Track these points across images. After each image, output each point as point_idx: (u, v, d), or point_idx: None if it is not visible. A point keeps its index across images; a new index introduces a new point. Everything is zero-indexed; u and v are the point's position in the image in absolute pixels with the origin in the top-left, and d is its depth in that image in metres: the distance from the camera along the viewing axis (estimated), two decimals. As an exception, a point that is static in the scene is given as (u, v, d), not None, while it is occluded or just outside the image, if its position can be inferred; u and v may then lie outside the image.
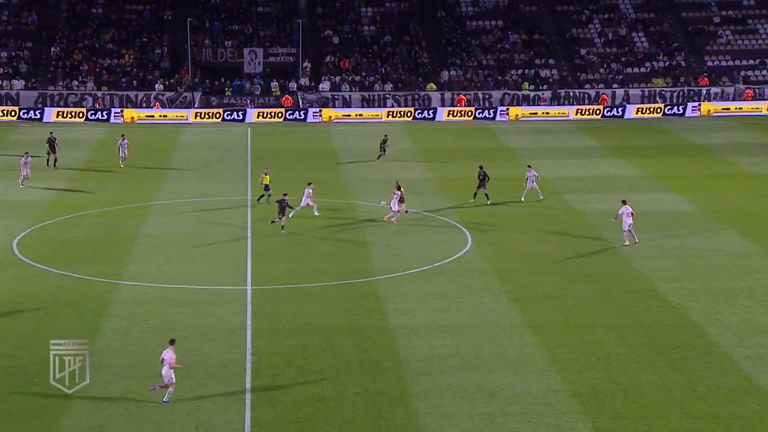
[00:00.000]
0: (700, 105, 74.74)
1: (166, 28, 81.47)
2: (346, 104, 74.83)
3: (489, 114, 73.75)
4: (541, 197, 46.70)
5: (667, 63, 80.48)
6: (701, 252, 38.76)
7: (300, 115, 72.78)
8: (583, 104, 75.32)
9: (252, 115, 72.40)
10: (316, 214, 43.58)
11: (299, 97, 75.06)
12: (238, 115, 72.39)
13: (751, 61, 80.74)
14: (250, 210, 45.46)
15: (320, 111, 72.84)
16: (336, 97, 75.20)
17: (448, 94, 75.57)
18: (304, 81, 76.96)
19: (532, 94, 75.91)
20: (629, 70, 79.88)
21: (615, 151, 60.53)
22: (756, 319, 31.43)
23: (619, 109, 74.47)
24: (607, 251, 38.97)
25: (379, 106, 74.44)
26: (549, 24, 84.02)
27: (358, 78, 77.46)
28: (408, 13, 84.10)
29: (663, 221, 42.90)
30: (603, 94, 75.94)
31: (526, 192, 46.57)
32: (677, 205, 46.40)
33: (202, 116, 72.23)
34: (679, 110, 74.48)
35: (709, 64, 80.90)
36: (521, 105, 75.04)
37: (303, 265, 37.02)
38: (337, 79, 77.04)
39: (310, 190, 43.75)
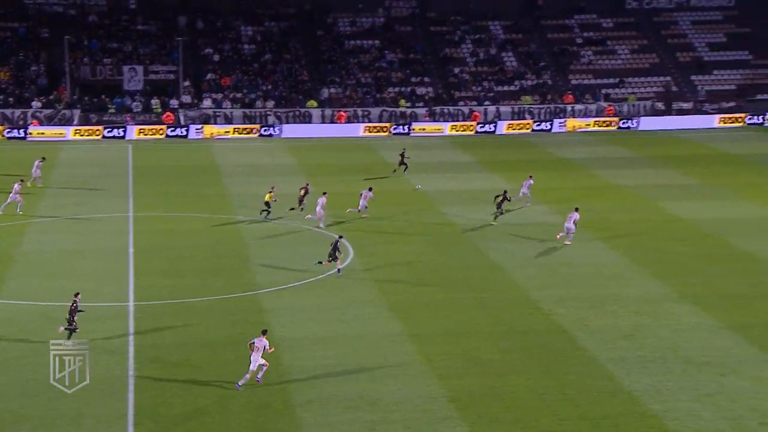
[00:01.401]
0: (565, 121, 77.62)
1: (43, 46, 79.64)
2: (228, 121, 74.77)
3: (368, 130, 74.89)
4: (528, 204, 49.61)
5: (534, 81, 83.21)
6: (570, 261, 40.26)
7: (182, 132, 72.34)
8: (458, 121, 77.13)
9: (133, 131, 71.51)
10: (357, 212, 45.70)
11: (180, 113, 74.61)
12: (119, 132, 71.38)
13: (611, 80, 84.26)
14: (132, 226, 45.17)
15: (202, 128, 72.64)
16: (218, 113, 75.07)
17: (328, 111, 76.39)
18: (186, 98, 76.53)
19: (408, 110, 77.51)
20: (500, 88, 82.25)
21: (488, 165, 62.01)
22: (620, 323, 32.98)
23: (491, 126, 76.46)
24: (483, 262, 40.14)
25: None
26: (424, 44, 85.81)
27: (239, 95, 77.52)
28: (288, 32, 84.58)
29: (534, 232, 44.31)
30: (476, 111, 77.93)
31: (520, 196, 49.61)
32: (547, 217, 47.78)
33: (82, 133, 71.00)
34: (546, 126, 77.02)
35: (573, 82, 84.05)
36: (398, 121, 76.54)
37: (186, 280, 36.99)
38: (219, 96, 76.93)
39: (371, 194, 46.34)
